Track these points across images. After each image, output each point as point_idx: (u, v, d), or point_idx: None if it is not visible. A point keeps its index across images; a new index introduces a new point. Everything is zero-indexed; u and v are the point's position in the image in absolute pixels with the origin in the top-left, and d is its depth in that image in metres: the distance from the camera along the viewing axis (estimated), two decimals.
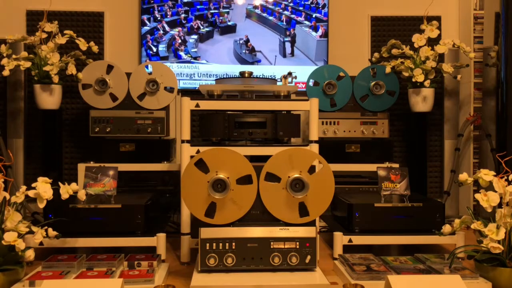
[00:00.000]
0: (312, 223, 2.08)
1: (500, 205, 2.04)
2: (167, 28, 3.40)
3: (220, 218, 2.05)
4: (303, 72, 3.30)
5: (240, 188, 2.05)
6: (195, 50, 3.42)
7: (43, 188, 2.06)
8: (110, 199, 2.40)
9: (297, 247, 2.03)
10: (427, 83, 3.01)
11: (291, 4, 3.37)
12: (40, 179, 2.09)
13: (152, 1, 3.38)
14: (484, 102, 3.34)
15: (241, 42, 3.34)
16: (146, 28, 3.37)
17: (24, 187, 2.09)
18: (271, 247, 2.03)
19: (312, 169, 2.08)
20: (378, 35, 3.53)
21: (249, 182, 2.06)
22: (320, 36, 3.10)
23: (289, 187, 2.04)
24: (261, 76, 2.79)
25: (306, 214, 2.07)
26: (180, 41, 3.41)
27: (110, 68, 2.94)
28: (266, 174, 2.07)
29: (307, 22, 3.38)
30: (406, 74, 3.04)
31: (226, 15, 3.40)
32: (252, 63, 3.39)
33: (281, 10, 3.40)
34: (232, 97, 2.58)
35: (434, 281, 1.82)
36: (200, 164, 2.05)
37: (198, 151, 2.33)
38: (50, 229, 2.15)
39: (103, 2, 3.45)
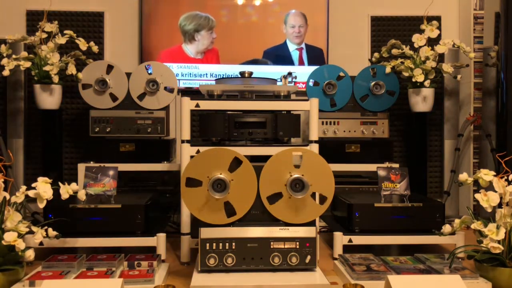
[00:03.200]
0: (312, 223, 2.08)
1: (500, 205, 2.04)
2: None
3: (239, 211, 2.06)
4: (303, 72, 3.31)
5: (237, 175, 2.05)
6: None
7: (43, 188, 2.06)
8: (110, 199, 2.40)
9: (297, 247, 2.03)
10: (427, 83, 3.01)
11: None
12: (40, 179, 2.09)
13: None
14: (484, 102, 3.34)
15: None
16: None
17: (24, 187, 2.09)
18: (271, 247, 2.03)
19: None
20: (378, 35, 3.54)
21: (239, 164, 2.06)
22: None
23: (289, 186, 2.04)
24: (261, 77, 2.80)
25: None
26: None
27: (110, 68, 2.94)
28: None
29: None
30: (406, 74, 3.04)
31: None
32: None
33: None
34: (232, 97, 2.58)
35: (434, 281, 1.82)
36: (191, 182, 2.05)
37: (198, 151, 2.33)
38: (50, 229, 2.15)
39: (103, 2, 3.45)
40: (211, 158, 2.05)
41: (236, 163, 2.06)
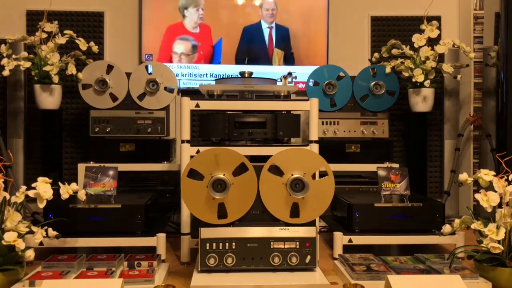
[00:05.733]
0: (312, 223, 2.08)
1: (500, 205, 2.04)
2: None
3: (231, 215, 2.06)
4: (303, 72, 3.32)
5: (239, 180, 2.05)
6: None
7: (43, 188, 2.06)
8: (110, 199, 2.40)
9: (297, 247, 2.03)
10: (427, 83, 3.01)
11: None
12: (40, 179, 2.09)
13: None
14: (484, 102, 3.34)
15: None
16: None
17: (24, 187, 2.09)
18: (271, 247, 2.03)
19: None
20: (378, 35, 3.53)
21: (245, 170, 2.07)
22: None
23: (289, 186, 2.04)
24: (261, 77, 2.81)
25: (296, 215, 2.07)
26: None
27: (110, 68, 2.94)
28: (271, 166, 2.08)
29: None
30: (406, 74, 3.04)
31: None
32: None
33: None
34: (232, 97, 2.58)
35: (434, 281, 1.82)
36: (193, 174, 2.05)
37: (198, 151, 2.33)
38: (50, 229, 2.15)
39: (103, 2, 3.45)
40: (219, 157, 2.04)
41: (242, 168, 2.06)
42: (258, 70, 3.36)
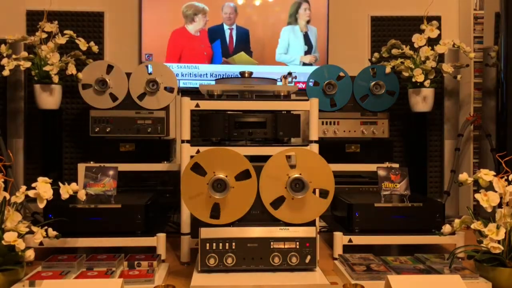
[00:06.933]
0: (312, 223, 2.08)
1: (500, 205, 2.04)
2: None
3: (224, 217, 2.05)
4: (302, 73, 3.32)
5: (240, 184, 2.05)
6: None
7: (43, 188, 2.06)
8: (110, 199, 2.40)
9: (297, 247, 2.03)
10: (427, 83, 3.01)
11: None
12: (40, 179, 2.09)
13: None
14: (484, 102, 3.34)
15: None
16: None
17: (24, 187, 2.09)
18: (271, 247, 2.03)
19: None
20: (378, 35, 3.53)
21: (248, 177, 2.06)
22: None
23: (289, 187, 2.04)
24: (261, 77, 2.81)
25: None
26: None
27: (110, 68, 2.94)
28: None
29: None
30: (406, 74, 3.04)
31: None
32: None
33: None
34: (232, 97, 2.58)
35: (434, 281, 1.82)
36: (197, 168, 2.05)
37: (198, 151, 2.32)
38: (50, 229, 2.15)
39: (103, 2, 3.45)
40: (226, 158, 2.05)
41: (245, 175, 2.06)
42: (259, 70, 3.37)
